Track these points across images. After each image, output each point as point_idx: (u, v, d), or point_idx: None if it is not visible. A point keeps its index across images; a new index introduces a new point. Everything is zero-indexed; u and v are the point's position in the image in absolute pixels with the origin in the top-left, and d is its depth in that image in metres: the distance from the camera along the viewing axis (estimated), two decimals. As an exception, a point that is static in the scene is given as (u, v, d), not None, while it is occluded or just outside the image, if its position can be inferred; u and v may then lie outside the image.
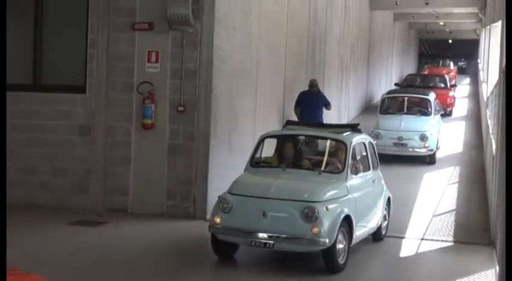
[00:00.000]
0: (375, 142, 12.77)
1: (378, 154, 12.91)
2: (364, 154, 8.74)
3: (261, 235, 7.22)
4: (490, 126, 13.04)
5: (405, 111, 15.52)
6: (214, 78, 9.77)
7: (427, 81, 24.36)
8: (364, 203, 8.16)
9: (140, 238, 8.64)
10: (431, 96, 16.02)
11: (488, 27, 21.63)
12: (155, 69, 9.79)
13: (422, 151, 14.50)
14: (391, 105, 16.03)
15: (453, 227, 9.77)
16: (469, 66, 45.06)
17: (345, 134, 8.57)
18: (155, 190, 9.75)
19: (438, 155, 15.49)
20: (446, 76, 25.61)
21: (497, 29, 15.84)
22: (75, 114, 10.14)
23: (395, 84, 24.11)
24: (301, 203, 7.22)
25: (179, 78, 9.68)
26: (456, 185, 12.91)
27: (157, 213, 9.64)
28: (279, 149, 8.54)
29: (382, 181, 9.24)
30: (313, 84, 13.81)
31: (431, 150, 14.53)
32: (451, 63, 40.56)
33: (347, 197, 7.70)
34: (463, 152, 16.64)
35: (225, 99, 10.25)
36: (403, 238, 9.18)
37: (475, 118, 22.19)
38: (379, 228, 8.81)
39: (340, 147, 8.23)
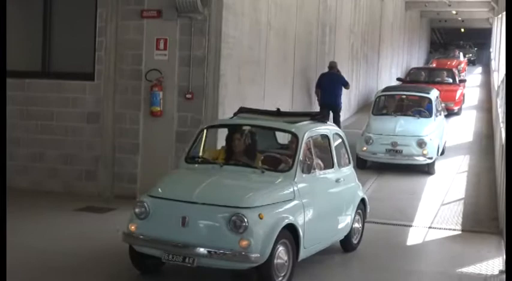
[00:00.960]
0: (365, 147, 12.43)
1: (368, 161, 12.66)
2: (327, 148, 7.46)
3: (180, 247, 6.00)
4: (500, 115, 12.96)
5: (401, 112, 13.41)
6: (222, 66, 9.76)
7: (433, 76, 21.58)
8: (321, 208, 6.89)
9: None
10: (433, 94, 13.77)
11: (500, 15, 21.49)
12: (163, 56, 9.79)
13: (420, 159, 12.39)
14: (386, 105, 13.87)
15: (461, 216, 9.73)
16: (480, 56, 44.63)
17: (299, 124, 7.22)
18: (163, 177, 9.76)
19: (448, 144, 15.39)
20: (454, 70, 22.64)
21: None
22: (84, 102, 10.17)
23: (398, 79, 22.19)
24: (228, 210, 5.96)
25: (187, 65, 9.67)
26: (465, 174, 12.86)
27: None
28: (227, 142, 7.26)
29: (354, 180, 8.01)
30: (332, 66, 15.13)
31: (431, 158, 12.36)
32: (461, 54, 36.68)
33: (293, 201, 6.44)
34: (473, 141, 16.56)
35: (233, 86, 10.25)
36: (411, 226, 9.17)
37: (486, 107, 22.06)
38: (348, 236, 7.67)
39: (291, 140, 7.09)
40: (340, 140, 7.82)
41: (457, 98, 20.03)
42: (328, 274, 7.12)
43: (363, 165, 12.61)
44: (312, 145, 7.06)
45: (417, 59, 38.36)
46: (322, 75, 14.82)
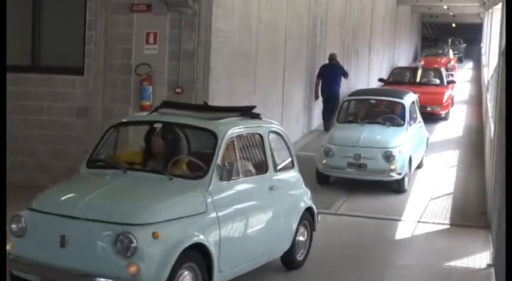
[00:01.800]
0: (324, 160, 10.61)
1: (329, 177, 10.98)
2: (259, 149, 6.36)
3: (58, 272, 4.99)
4: (489, 109, 13.01)
5: (370, 119, 11.50)
6: (212, 60, 9.75)
7: (419, 77, 19.72)
8: (245, 221, 5.87)
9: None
10: (407, 99, 11.84)
11: (491, 10, 21.56)
12: (153, 50, 9.77)
13: (386, 176, 10.44)
14: (353, 111, 12.05)
15: (450, 211, 9.78)
16: (471, 52, 44.59)
17: (221, 120, 6.11)
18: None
19: (437, 139, 15.43)
20: (442, 70, 20.53)
21: (498, 11, 15.77)
22: (73, 96, 10.14)
23: (380, 79, 20.22)
24: (115, 227, 4.87)
25: (177, 60, 9.66)
26: (455, 168, 12.90)
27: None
28: (146, 141, 6.21)
29: (298, 187, 6.99)
30: (332, 58, 16.11)
31: (399, 174, 10.42)
32: (450, 51, 34.92)
33: (204, 215, 5.38)
34: (463, 136, 16.63)
35: (223, 81, 10.25)
36: (400, 220, 9.21)
37: (476, 102, 22.14)
38: (291, 252, 6.66)
39: (210, 140, 5.89)
40: (280, 140, 6.82)
41: (444, 101, 18.09)
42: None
43: (324, 180, 10.98)
44: (238, 146, 6.04)
45: (408, 55, 38.41)
46: (323, 67, 15.81)
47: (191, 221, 5.28)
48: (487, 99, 15.20)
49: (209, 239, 5.32)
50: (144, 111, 9.61)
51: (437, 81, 19.15)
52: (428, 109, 16.94)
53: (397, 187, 10.66)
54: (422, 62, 28.58)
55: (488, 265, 7.13)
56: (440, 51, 34.30)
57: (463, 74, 32.09)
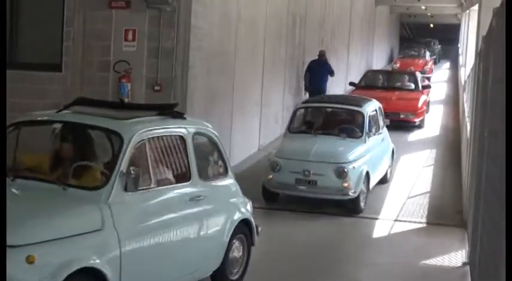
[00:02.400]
0: (270, 176, 9.45)
1: (275, 193, 9.61)
2: (180, 154, 5.58)
3: None
4: (466, 109, 13.14)
5: (325, 130, 10.30)
6: (191, 58, 9.73)
7: (392, 81, 18.57)
8: (157, 239, 5.10)
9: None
10: (368, 107, 10.57)
11: (468, 11, 21.76)
12: (132, 48, 9.73)
13: (338, 194, 9.25)
14: (307, 120, 11.03)
15: (427, 209, 9.87)
16: (449, 52, 44.89)
17: (130, 120, 5.31)
18: (131, 169, 9.72)
19: (414, 138, 15.52)
20: (417, 74, 19.21)
21: (475, 12, 15.91)
22: (51, 93, 10.05)
23: (351, 83, 18.85)
24: None
25: (156, 57, 9.63)
26: (431, 167, 13.02)
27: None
28: (51, 144, 5.64)
29: (232, 196, 6.24)
30: (321, 54, 16.91)
31: (354, 192, 9.20)
32: (428, 53, 33.10)
33: (100, 233, 4.63)
34: (440, 135, 16.77)
35: (202, 78, 10.24)
36: (377, 219, 9.27)
37: (453, 102, 22.32)
38: (222, 271, 5.96)
39: (115, 142, 5.20)
40: (208, 143, 6.12)
41: (418, 107, 16.93)
42: None
43: (272, 198, 9.74)
44: (151, 150, 5.30)
45: (387, 55, 38.63)
46: (313, 62, 16.64)
47: (82, 240, 4.50)
48: (464, 99, 15.33)
49: (105, 262, 4.54)
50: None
51: (412, 85, 18.05)
52: (402, 116, 16.32)
53: (351, 207, 9.42)
54: (398, 64, 28.14)
55: (464, 263, 7.20)
56: (416, 53, 33.02)
57: (440, 74, 32.33)
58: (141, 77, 9.67)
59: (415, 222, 9.15)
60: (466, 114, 12.38)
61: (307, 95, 16.32)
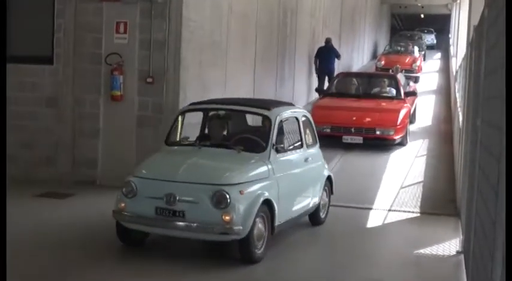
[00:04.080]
0: (122, 204, 6.69)
1: (125, 228, 6.83)
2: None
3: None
4: (458, 99, 13.17)
5: (214, 141, 7.55)
6: (183, 50, 9.72)
7: (368, 86, 15.08)
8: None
9: (103, 210, 8.59)
10: (281, 113, 7.54)
11: (459, 1, 21.79)
12: (123, 40, 9.71)
13: (216, 233, 6.44)
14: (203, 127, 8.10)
15: (420, 199, 9.90)
16: (439, 42, 44.91)
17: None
18: (124, 162, 9.70)
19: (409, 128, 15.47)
20: (399, 78, 15.27)
21: (465, 2, 15.93)
22: (43, 86, 10.03)
23: (318, 90, 16.68)
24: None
25: (148, 49, 9.61)
26: (424, 157, 13.06)
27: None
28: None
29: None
30: (328, 41, 19.03)
31: (240, 230, 6.38)
32: (416, 48, 28.37)
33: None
34: (432, 125, 16.81)
35: (194, 70, 10.22)
36: (371, 209, 9.29)
37: (445, 92, 22.38)
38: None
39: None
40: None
41: (399, 121, 13.24)
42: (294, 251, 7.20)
43: (130, 237, 6.98)
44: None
45: (378, 45, 38.64)
46: (321, 48, 18.74)
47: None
48: (456, 89, 15.37)
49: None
50: (115, 101, 9.61)
51: (393, 91, 14.62)
52: (378, 133, 13.06)
53: (241, 255, 6.63)
54: (382, 62, 25.11)
55: (458, 252, 7.23)
56: (403, 49, 28.52)
57: (431, 64, 32.34)
58: (133, 70, 9.65)
59: (408, 212, 9.18)
60: (458, 104, 12.42)
61: (317, 78, 18.77)
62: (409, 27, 47.52)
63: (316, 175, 8.27)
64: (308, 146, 8.11)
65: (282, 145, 7.34)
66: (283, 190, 7.10)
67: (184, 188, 6.51)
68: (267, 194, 6.71)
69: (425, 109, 18.99)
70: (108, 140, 9.79)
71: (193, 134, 7.84)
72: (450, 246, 7.57)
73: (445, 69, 29.79)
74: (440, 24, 47.00)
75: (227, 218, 6.36)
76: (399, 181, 10.99)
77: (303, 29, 18.17)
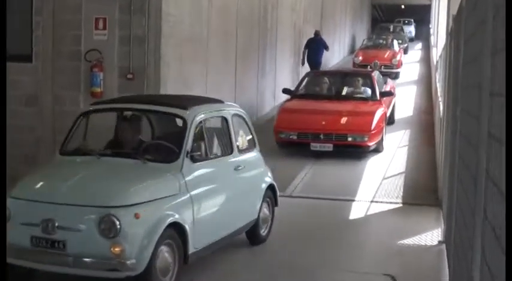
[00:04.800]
0: None
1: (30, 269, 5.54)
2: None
3: None
4: (438, 89, 13.24)
5: (116, 149, 6.34)
6: (163, 45, 9.68)
7: (341, 86, 13.54)
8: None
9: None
10: (200, 111, 6.33)
11: (439, -9, 21.87)
12: (103, 36, 9.64)
13: (103, 268, 5.17)
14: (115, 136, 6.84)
15: (402, 189, 9.95)
16: (420, 32, 45.06)
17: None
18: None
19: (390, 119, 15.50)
20: (374, 76, 13.59)
21: (445, -7, 16.01)
22: (22, 84, 9.94)
23: (285, 91, 13.90)
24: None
25: (127, 45, 9.56)
26: (406, 148, 13.12)
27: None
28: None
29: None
30: (316, 33, 19.98)
31: (135, 265, 5.13)
32: (395, 42, 26.51)
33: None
34: (413, 116, 16.89)
35: (175, 65, 10.19)
36: (354, 200, 9.34)
37: (426, 82, 22.47)
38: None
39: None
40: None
41: (373, 126, 11.75)
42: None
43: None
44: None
45: (359, 38, 38.72)
46: (310, 40, 19.72)
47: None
48: (436, 79, 15.45)
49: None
50: (96, 99, 9.56)
51: (368, 91, 13.21)
52: (350, 139, 11.57)
53: None
54: (360, 58, 23.71)
55: (440, 242, 7.29)
56: (384, 42, 26.71)
57: (412, 55, 32.45)
58: (113, 66, 9.59)
59: (391, 202, 9.24)
60: (439, 93, 12.49)
61: (304, 67, 19.29)
62: (390, 18, 47.62)
63: (252, 186, 6.93)
64: (241, 151, 6.81)
65: (199, 153, 5.92)
66: (202, 208, 5.82)
67: (66, 212, 5.17)
68: (176, 216, 5.41)
69: (406, 100, 19.07)
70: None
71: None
72: (432, 236, 7.63)
73: (426, 59, 29.91)
74: (421, 14, 47.18)
75: (117, 250, 5.01)
76: (381, 171, 11.04)
77: (284, 23, 18.17)
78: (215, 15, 11.95)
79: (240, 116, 7.08)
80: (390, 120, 14.29)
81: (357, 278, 6.48)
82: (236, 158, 6.69)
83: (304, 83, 14.01)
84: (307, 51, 19.51)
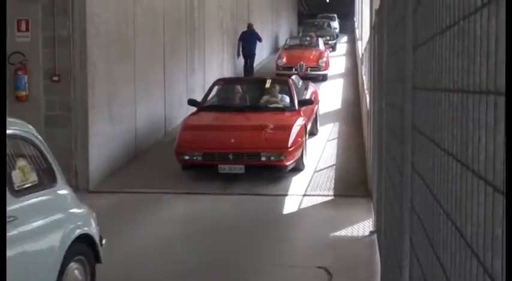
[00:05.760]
0: None
1: None
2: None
3: None
4: (364, 82, 13.51)
5: None
6: (89, 45, 9.54)
7: (254, 95, 11.99)
8: None
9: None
10: None
11: (361, -14, 22.27)
12: (26, 38, 9.44)
13: None
14: None
15: (333, 182, 10.12)
16: (345, 26, 45.78)
17: None
18: (34, 163, 9.47)
19: (319, 112, 15.75)
20: (291, 82, 11.93)
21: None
22: None
23: (191, 102, 11.89)
24: None
25: (52, 46, 9.39)
26: (335, 140, 13.33)
27: (38, 187, 9.41)
28: None
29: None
30: (249, 26, 21.27)
31: None
32: (321, 41, 24.57)
33: None
34: (341, 109, 17.15)
35: (102, 66, 10.05)
36: (286, 195, 9.43)
37: (352, 75, 22.83)
38: None
39: None
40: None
41: (290, 142, 10.00)
42: None
43: None
44: None
45: (285, 32, 39.01)
46: (244, 33, 20.98)
47: None
48: (362, 72, 15.75)
49: None
50: (21, 102, 9.34)
51: (286, 100, 11.51)
52: (263, 159, 9.85)
53: None
54: (284, 60, 21.37)
55: (371, 232, 7.46)
56: (308, 42, 24.29)
57: (339, 48, 32.88)
58: (37, 68, 9.40)
59: (323, 195, 9.38)
60: (365, 86, 12.74)
61: (241, 60, 20.93)
62: (316, 12, 48.16)
63: (39, 243, 4.63)
64: (19, 193, 4.52)
65: None
66: None
67: None
68: None
69: (334, 93, 19.36)
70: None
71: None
72: (364, 227, 7.80)
73: (352, 52, 30.38)
74: (346, 7, 47.91)
75: None
76: (313, 165, 11.18)
77: (212, 20, 18.15)
78: (141, 14, 11.84)
79: (23, 138, 4.79)
80: (312, 132, 12.76)
81: (291, 272, 6.56)
82: (10, 207, 4.24)
83: (212, 92, 12.15)
84: (241, 43, 20.70)
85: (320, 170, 10.84)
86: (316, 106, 13.33)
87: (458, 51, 1.64)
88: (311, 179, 10.26)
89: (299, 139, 10.31)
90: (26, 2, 9.36)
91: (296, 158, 10.24)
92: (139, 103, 11.70)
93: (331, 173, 10.64)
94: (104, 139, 10.00)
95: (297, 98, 11.51)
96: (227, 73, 20.42)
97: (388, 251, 4.47)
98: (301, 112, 11.22)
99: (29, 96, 9.39)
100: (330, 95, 18.78)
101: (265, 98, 11.80)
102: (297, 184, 9.93)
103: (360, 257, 6.91)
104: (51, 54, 9.38)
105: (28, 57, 9.36)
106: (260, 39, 21.31)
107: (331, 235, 7.61)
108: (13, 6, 9.34)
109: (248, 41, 20.85)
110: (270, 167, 10.04)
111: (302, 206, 8.92)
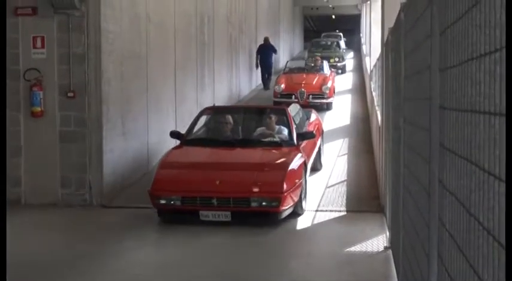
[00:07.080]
0: None
1: None
2: None
3: None
4: (374, 98, 13.58)
5: None
6: (103, 62, 9.65)
7: (246, 127, 10.56)
8: None
9: (27, 233, 8.43)
10: None
11: (369, 2, 22.42)
12: (41, 55, 9.56)
13: None
14: None
15: (345, 197, 10.16)
16: (352, 42, 45.98)
17: None
18: (48, 179, 9.57)
19: (327, 128, 15.85)
20: (290, 111, 10.48)
21: (377, 4, 16.45)
22: (-42, 105, 9.73)
23: (173, 134, 10.24)
24: None
25: (67, 63, 9.50)
26: (346, 156, 13.38)
27: (51, 202, 9.49)
28: None
29: None
30: (266, 39, 23.54)
31: None
32: (326, 64, 21.42)
33: None
34: (351, 125, 17.21)
35: (115, 82, 10.16)
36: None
37: (360, 91, 22.92)
38: None
39: None
40: None
41: (285, 186, 8.46)
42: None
43: None
44: None
45: (293, 49, 39.20)
46: (261, 46, 23.34)
47: None
48: (371, 88, 15.82)
49: None
50: (36, 118, 9.44)
51: (284, 133, 10.02)
52: (253, 205, 8.39)
53: None
54: (282, 86, 18.73)
55: (386, 248, 7.48)
56: (311, 65, 21.39)
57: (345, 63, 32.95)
58: (53, 85, 9.51)
59: (335, 211, 9.42)
60: (376, 103, 12.80)
61: (259, 70, 23.22)
62: (322, 29, 48.40)
63: None
64: None
65: None
66: None
67: None
68: None
69: (343, 109, 19.43)
70: (31, 157, 9.60)
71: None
72: (378, 242, 7.82)
73: (359, 68, 30.47)
74: (351, 23, 48.15)
75: None
76: (324, 180, 11.23)
77: (221, 35, 18.30)
78: (153, 31, 11.97)
79: None
80: (315, 167, 11.40)
81: (309, 287, 6.59)
82: None
83: (198, 123, 10.55)
84: (259, 56, 22.97)
85: (332, 185, 10.89)
86: (320, 138, 11.77)
87: (501, 77, 1.71)
88: (323, 194, 10.31)
89: (296, 181, 8.77)
90: (42, 19, 9.48)
91: (292, 203, 8.66)
92: (151, 119, 11.79)
93: (343, 189, 10.68)
94: (118, 154, 10.08)
95: (297, 131, 10.00)
96: (235, 89, 20.54)
97: (409, 267, 4.52)
98: (301, 147, 9.71)
99: (44, 112, 9.49)
100: (340, 111, 18.83)
101: (259, 130, 10.22)
102: (310, 200, 9.97)
103: (376, 272, 6.93)
104: (66, 70, 9.49)
105: (43, 73, 9.47)
106: (275, 51, 23.62)
107: (345, 250, 7.65)
108: (29, 23, 9.49)
109: (265, 53, 22.97)
110: (261, 215, 8.49)
111: (315, 222, 8.95)
